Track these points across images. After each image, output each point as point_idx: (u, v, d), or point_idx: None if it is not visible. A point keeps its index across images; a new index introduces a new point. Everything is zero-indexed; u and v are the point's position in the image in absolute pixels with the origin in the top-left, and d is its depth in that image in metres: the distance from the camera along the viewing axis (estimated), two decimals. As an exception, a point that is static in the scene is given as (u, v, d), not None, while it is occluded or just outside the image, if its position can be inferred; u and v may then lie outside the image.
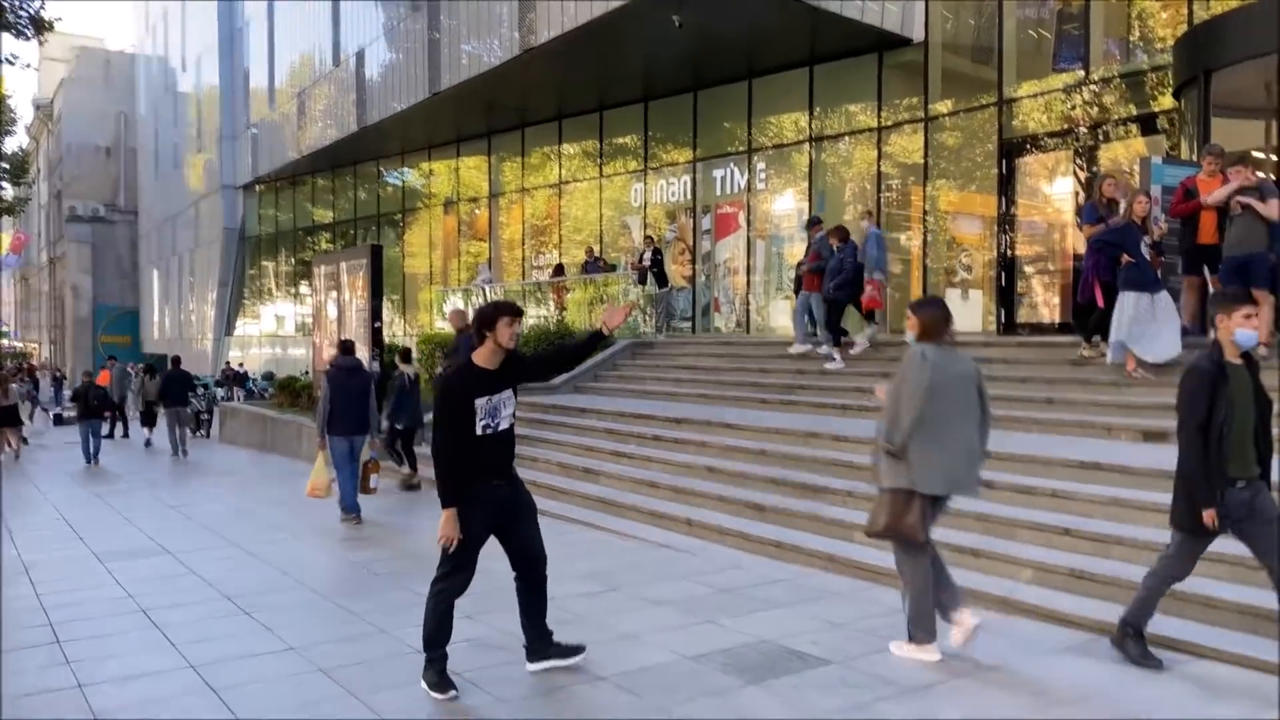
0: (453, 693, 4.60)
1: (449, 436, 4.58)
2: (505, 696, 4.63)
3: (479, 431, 4.59)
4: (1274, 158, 9.69)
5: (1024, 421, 8.20)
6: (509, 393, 4.73)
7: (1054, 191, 13.57)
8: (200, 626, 5.90)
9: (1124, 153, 12.69)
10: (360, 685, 4.81)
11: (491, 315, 4.65)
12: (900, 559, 5.04)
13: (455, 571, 4.68)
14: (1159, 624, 5.00)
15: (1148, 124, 12.19)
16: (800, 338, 12.16)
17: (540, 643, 4.96)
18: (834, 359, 11.28)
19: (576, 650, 4.99)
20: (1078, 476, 6.75)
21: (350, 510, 9.17)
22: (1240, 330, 4.64)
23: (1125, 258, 8.21)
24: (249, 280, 33.56)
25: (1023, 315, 13.64)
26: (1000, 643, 5.22)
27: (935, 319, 4.96)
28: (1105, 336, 8.69)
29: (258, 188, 32.43)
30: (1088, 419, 7.99)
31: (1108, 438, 7.68)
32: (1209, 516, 4.57)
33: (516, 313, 4.72)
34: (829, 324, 11.54)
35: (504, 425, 4.68)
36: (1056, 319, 13.09)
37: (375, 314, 12.52)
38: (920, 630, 4.99)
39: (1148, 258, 8.27)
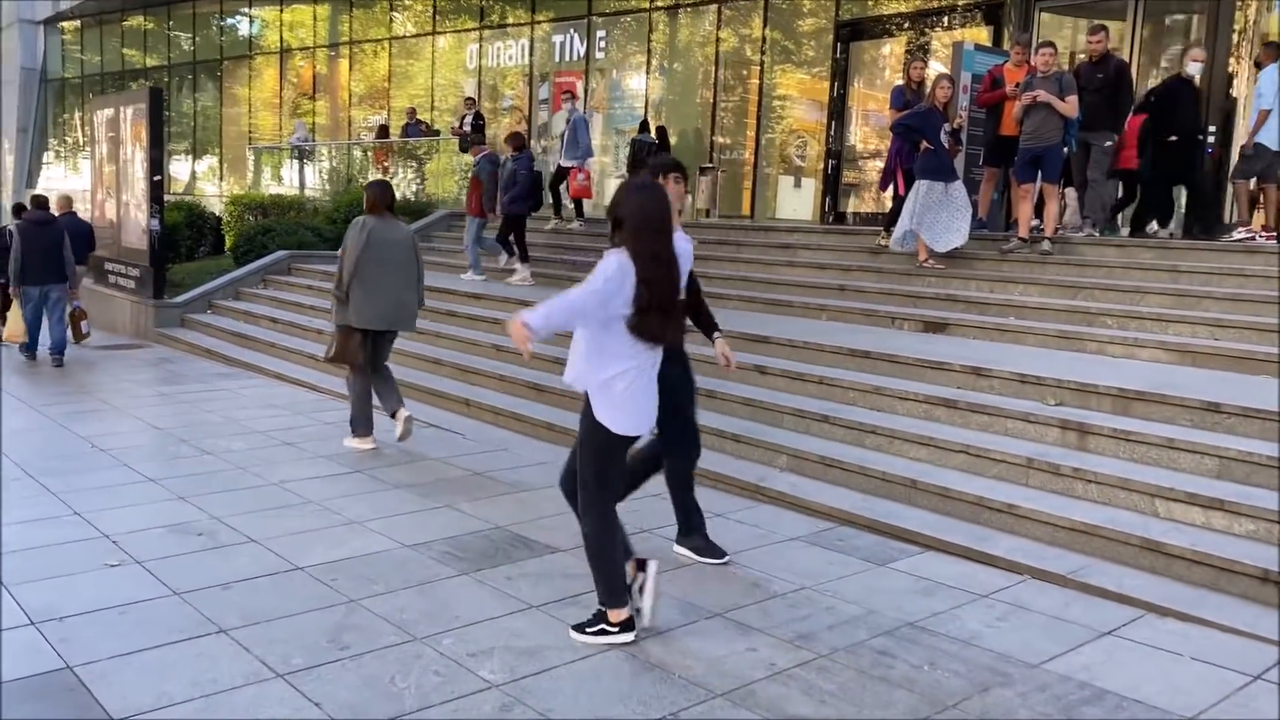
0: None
1: None
2: (181, 588, 4.16)
3: None
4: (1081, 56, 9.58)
5: (813, 309, 8.07)
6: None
7: (895, 80, 13.33)
8: None
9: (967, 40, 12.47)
10: (16, 574, 4.25)
11: (654, 174, 4.30)
12: (349, 380, 6.66)
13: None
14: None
15: (990, 13, 11.94)
16: (473, 263, 11.15)
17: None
18: (517, 271, 10.56)
19: (719, 553, 4.64)
20: (847, 364, 6.63)
21: (27, 350, 9.89)
22: None
23: (924, 144, 8.02)
24: (57, 129, 30.54)
25: (851, 205, 13.53)
26: (741, 530, 5.07)
27: (374, 197, 6.43)
28: (903, 225, 8.57)
29: (63, 26, 29.22)
30: (875, 308, 7.90)
31: (891, 327, 7.61)
32: None
33: (674, 167, 4.37)
34: (501, 239, 10.82)
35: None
36: (886, 210, 13.02)
37: (156, 166, 11.33)
38: (359, 428, 6.57)
39: (946, 145, 8.10)
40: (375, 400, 6.66)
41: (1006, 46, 10.29)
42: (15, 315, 10.03)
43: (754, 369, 6.72)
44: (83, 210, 13.02)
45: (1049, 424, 5.40)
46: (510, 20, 17.80)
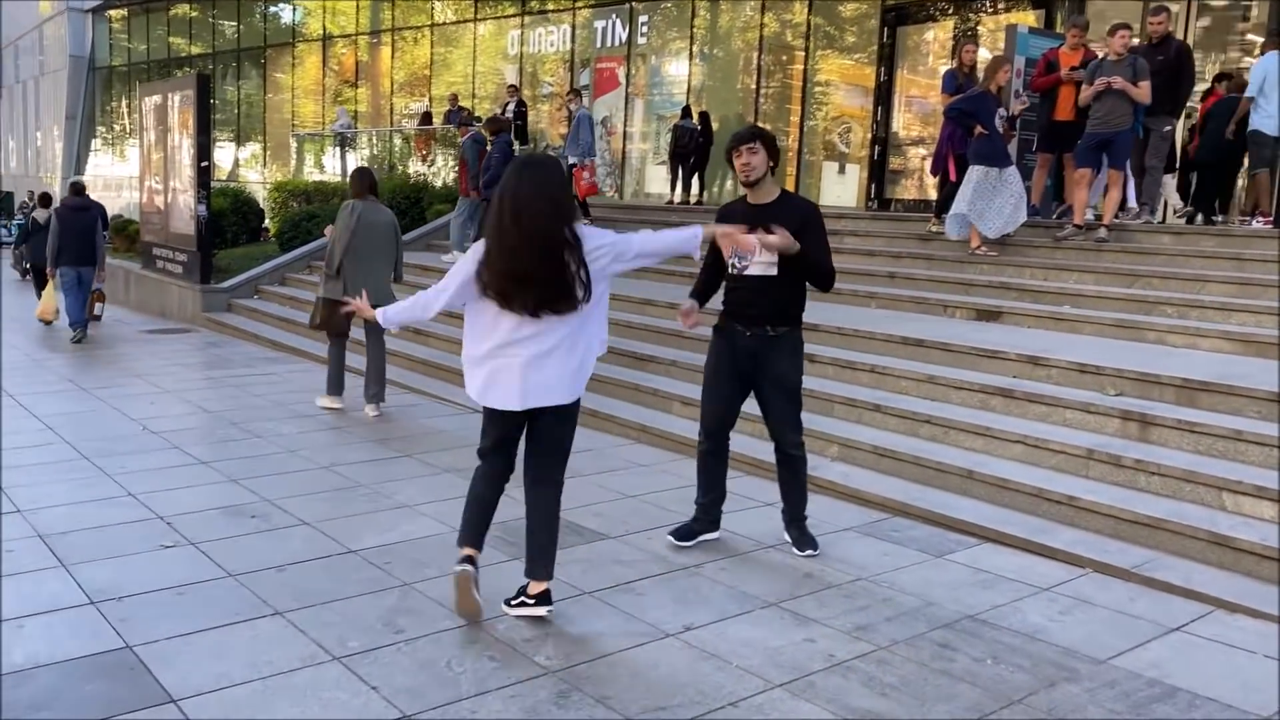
0: (685, 545, 4.60)
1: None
2: (236, 569, 4.18)
3: (727, 268, 4.45)
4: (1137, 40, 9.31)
5: (862, 296, 7.95)
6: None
7: (941, 65, 13.11)
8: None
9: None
10: (75, 554, 4.29)
11: (728, 149, 4.40)
12: (329, 347, 7.36)
13: (702, 413, 4.62)
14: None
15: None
16: (456, 243, 11.37)
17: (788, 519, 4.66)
18: None
19: (810, 544, 4.55)
20: (899, 353, 6.53)
21: (75, 326, 10.34)
22: None
23: (978, 129, 7.85)
24: (105, 117, 30.98)
25: (897, 192, 13.33)
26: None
27: (360, 184, 7.12)
28: (954, 211, 8.41)
29: (111, 14, 29.60)
30: (926, 295, 7.77)
31: (943, 315, 7.49)
32: None
33: (745, 139, 4.33)
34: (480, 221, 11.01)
35: (752, 270, 4.34)
36: (934, 196, 12.81)
37: (203, 153, 11.42)
38: (332, 388, 7.30)
39: (1000, 130, 7.93)
40: (363, 377, 7.32)
41: (1057, 29, 10.07)
42: (48, 293, 10.91)
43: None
44: (128, 195, 13.29)
45: (1109, 414, 5.28)
46: (551, 6, 17.73)
